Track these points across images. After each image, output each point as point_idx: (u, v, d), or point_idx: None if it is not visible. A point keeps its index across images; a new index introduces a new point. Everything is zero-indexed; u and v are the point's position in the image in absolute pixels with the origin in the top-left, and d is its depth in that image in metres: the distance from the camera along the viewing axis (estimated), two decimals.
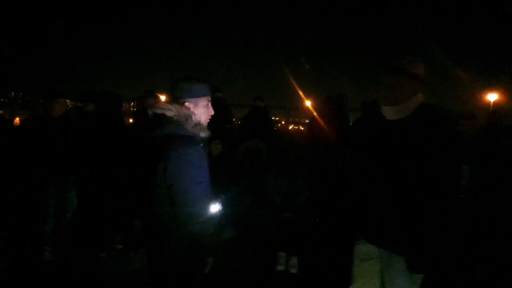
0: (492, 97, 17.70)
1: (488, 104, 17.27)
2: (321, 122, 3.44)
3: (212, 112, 1.42)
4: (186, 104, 1.33)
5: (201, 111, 1.36)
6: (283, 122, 22.64)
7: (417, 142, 1.28)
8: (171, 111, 1.30)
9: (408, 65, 1.36)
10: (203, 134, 1.35)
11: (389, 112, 1.40)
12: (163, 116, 1.30)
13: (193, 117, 1.33)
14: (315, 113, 3.74)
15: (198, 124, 1.34)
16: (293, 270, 2.57)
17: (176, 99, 1.34)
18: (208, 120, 1.42)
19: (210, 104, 1.41)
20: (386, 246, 1.37)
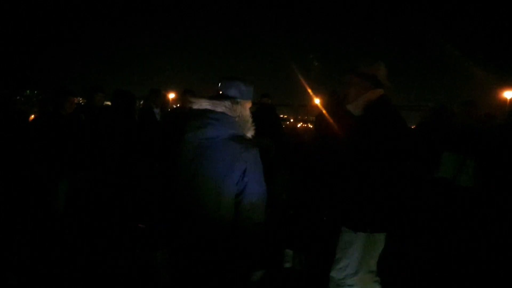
0: (508, 94, 17.13)
1: (504, 101, 16.73)
2: (328, 118, 3.42)
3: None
4: (247, 104, 1.35)
5: (248, 113, 1.38)
6: (291, 120, 22.49)
7: (371, 135, 1.50)
8: (235, 112, 1.29)
9: (361, 66, 1.59)
10: (250, 136, 1.37)
11: (351, 109, 1.63)
12: (225, 115, 1.27)
13: (249, 119, 1.35)
14: (323, 110, 3.70)
15: (252, 126, 1.36)
16: (300, 268, 2.57)
17: (230, 98, 1.32)
18: None
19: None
20: (349, 226, 1.60)
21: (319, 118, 3.78)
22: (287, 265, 2.61)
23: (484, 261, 2.26)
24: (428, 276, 2.33)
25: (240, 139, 1.28)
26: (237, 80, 1.35)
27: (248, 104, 1.38)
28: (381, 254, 1.65)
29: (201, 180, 1.26)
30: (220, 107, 1.28)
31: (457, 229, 2.41)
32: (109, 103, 3.32)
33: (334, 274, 1.66)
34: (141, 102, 4.66)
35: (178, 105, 5.92)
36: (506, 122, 3.19)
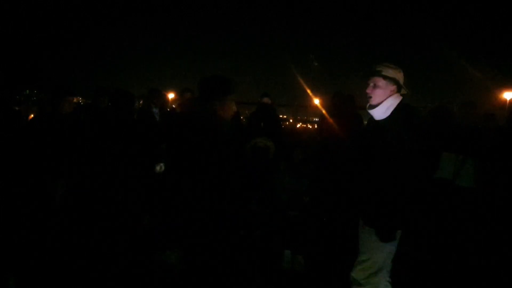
0: (508, 95, 17.14)
1: (504, 102, 16.74)
2: (330, 120, 3.42)
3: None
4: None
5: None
6: (291, 120, 22.48)
7: (393, 139, 1.56)
8: None
9: (387, 70, 1.65)
10: None
11: (373, 112, 1.68)
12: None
13: None
14: (324, 111, 3.70)
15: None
16: (299, 268, 2.56)
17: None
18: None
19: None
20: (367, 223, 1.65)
21: (322, 120, 3.78)
22: (286, 266, 2.60)
23: (484, 262, 2.25)
24: (427, 276, 2.33)
25: None
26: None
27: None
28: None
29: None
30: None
31: (456, 229, 2.41)
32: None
33: (356, 274, 1.67)
34: (141, 102, 4.63)
35: (174, 105, 5.88)
36: (507, 123, 3.20)
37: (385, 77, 1.65)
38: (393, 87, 1.66)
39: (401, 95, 1.70)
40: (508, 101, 16.77)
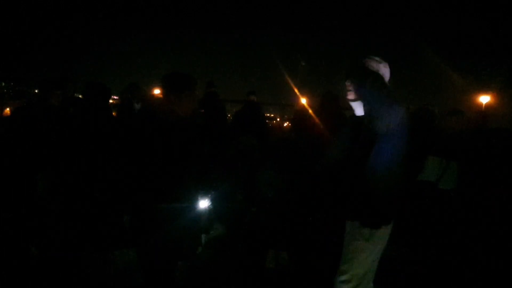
0: (484, 99, 17.88)
1: (480, 106, 17.45)
2: (316, 119, 3.44)
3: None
4: None
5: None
6: (278, 119, 22.55)
7: (377, 134, 1.45)
8: None
9: (367, 62, 1.53)
10: None
11: (355, 107, 1.58)
12: None
13: None
14: (310, 110, 3.72)
15: None
16: (283, 267, 2.56)
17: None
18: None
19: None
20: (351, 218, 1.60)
21: (298, 117, 3.78)
22: (271, 264, 2.59)
23: (468, 260, 2.31)
24: (413, 277, 2.37)
25: None
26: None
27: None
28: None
29: None
30: None
31: (441, 229, 2.46)
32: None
33: (340, 286, 1.57)
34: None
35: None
36: (486, 127, 3.31)
37: (366, 70, 1.54)
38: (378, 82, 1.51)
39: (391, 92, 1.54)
40: (484, 105, 17.51)
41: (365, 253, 1.54)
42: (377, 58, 1.56)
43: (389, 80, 1.60)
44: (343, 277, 1.56)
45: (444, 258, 2.41)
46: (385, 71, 1.58)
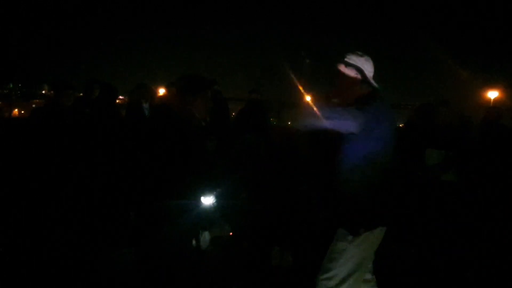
0: (492, 94, 17.62)
1: (488, 101, 17.19)
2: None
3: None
4: None
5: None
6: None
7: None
8: None
9: (348, 56, 1.55)
10: None
11: (338, 102, 1.58)
12: None
13: None
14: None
15: None
16: (288, 265, 2.57)
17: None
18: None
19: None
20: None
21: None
22: (275, 262, 2.60)
23: (467, 252, 2.31)
24: (415, 272, 2.36)
25: None
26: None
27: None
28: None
29: None
30: None
31: (442, 221, 2.47)
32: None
33: (322, 283, 1.57)
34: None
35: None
36: (484, 120, 3.33)
37: (347, 64, 1.55)
38: (356, 75, 1.54)
39: (374, 87, 1.56)
40: (492, 100, 17.25)
41: (348, 254, 1.53)
42: (359, 53, 1.57)
43: (373, 74, 1.59)
44: (325, 275, 1.57)
45: (445, 257, 2.40)
46: (367, 65, 1.57)
